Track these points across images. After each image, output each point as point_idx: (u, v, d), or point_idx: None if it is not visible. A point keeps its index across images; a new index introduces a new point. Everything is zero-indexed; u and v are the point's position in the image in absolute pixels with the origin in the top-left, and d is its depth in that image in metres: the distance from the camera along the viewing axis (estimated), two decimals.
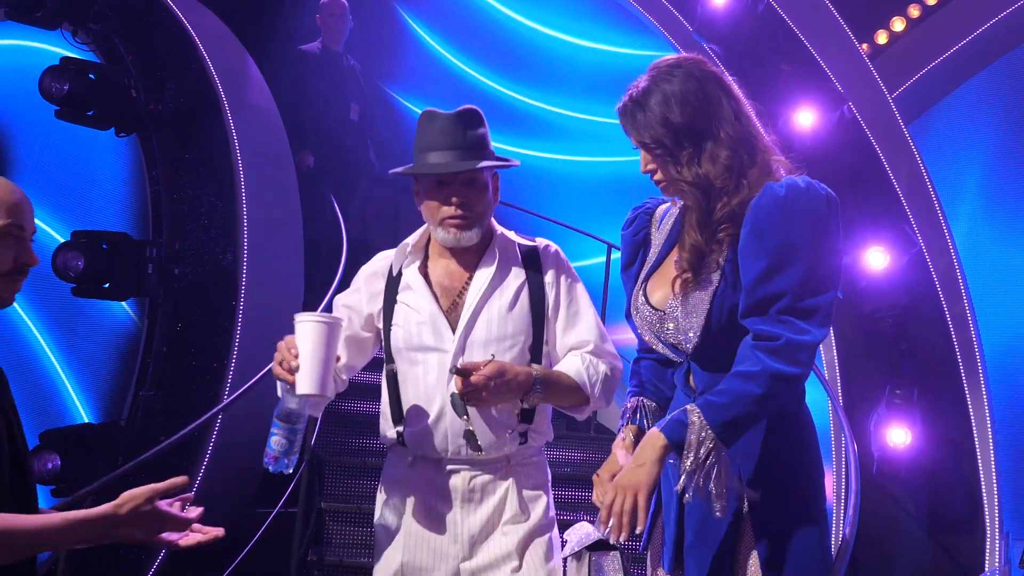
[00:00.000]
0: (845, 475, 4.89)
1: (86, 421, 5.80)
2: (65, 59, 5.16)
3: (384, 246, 2.72)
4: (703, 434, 1.91)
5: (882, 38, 6.16)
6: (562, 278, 2.53)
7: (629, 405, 2.29)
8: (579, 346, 2.49)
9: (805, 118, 5.17)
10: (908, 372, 5.18)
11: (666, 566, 2.19)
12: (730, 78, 2.10)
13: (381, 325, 2.53)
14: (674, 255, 2.17)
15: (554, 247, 2.58)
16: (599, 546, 2.39)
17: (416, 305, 2.47)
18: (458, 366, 2.29)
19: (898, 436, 5.01)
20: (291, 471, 2.22)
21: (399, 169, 2.48)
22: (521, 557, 2.41)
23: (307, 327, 2.22)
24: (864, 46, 5.69)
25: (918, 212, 5.22)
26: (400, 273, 2.53)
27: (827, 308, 1.95)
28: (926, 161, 5.40)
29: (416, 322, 2.45)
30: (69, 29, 5.39)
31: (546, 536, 2.48)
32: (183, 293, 5.19)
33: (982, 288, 5.88)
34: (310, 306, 5.40)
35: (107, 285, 5.11)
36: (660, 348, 2.17)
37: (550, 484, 2.56)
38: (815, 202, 1.96)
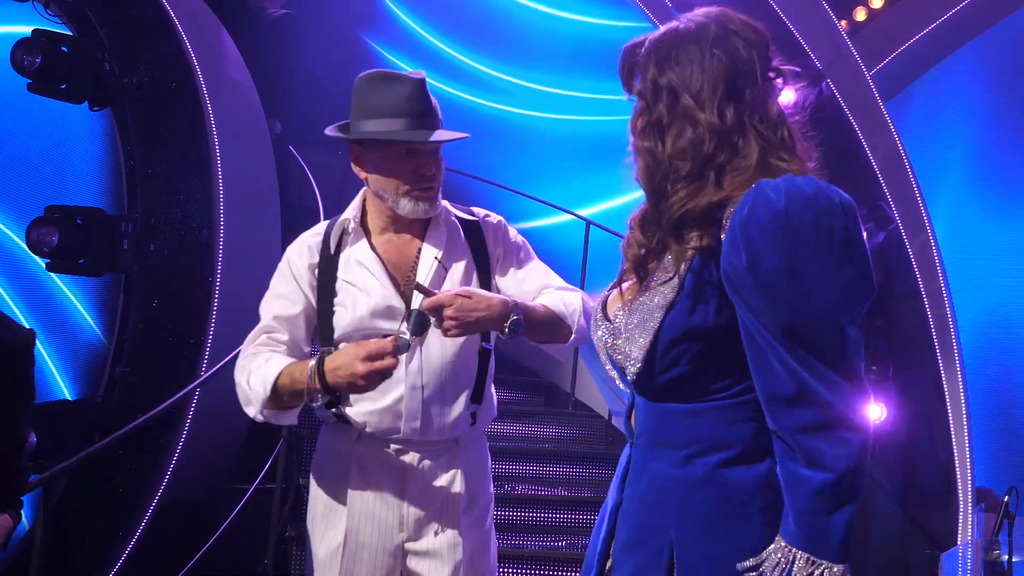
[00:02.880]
0: None
1: (67, 397, 5.78)
2: (37, 31, 5.08)
3: None
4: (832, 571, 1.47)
5: (860, 15, 6.18)
6: (505, 244, 2.46)
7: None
8: (540, 292, 2.41)
9: (783, 95, 5.17)
10: (883, 349, 5.22)
11: None
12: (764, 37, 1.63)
13: (318, 308, 2.38)
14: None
15: (495, 217, 2.50)
16: None
17: (366, 286, 2.33)
18: (418, 283, 2.20)
19: (873, 412, 5.05)
20: None
21: (377, 132, 2.29)
22: (467, 547, 2.34)
23: None
24: (843, 23, 5.70)
25: (895, 189, 5.24)
26: (337, 251, 2.38)
27: (853, 345, 1.51)
28: (908, 137, 5.43)
29: (367, 305, 2.31)
30: (41, 1, 5.31)
31: (488, 522, 2.44)
32: (159, 269, 5.14)
33: (965, 263, 5.94)
34: None
35: (82, 261, 5.07)
36: (611, 372, 1.72)
37: (490, 465, 2.51)
38: (827, 210, 1.49)
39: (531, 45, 7.57)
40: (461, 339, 2.32)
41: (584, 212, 6.48)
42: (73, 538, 4.71)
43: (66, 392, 5.84)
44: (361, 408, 2.32)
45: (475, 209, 2.52)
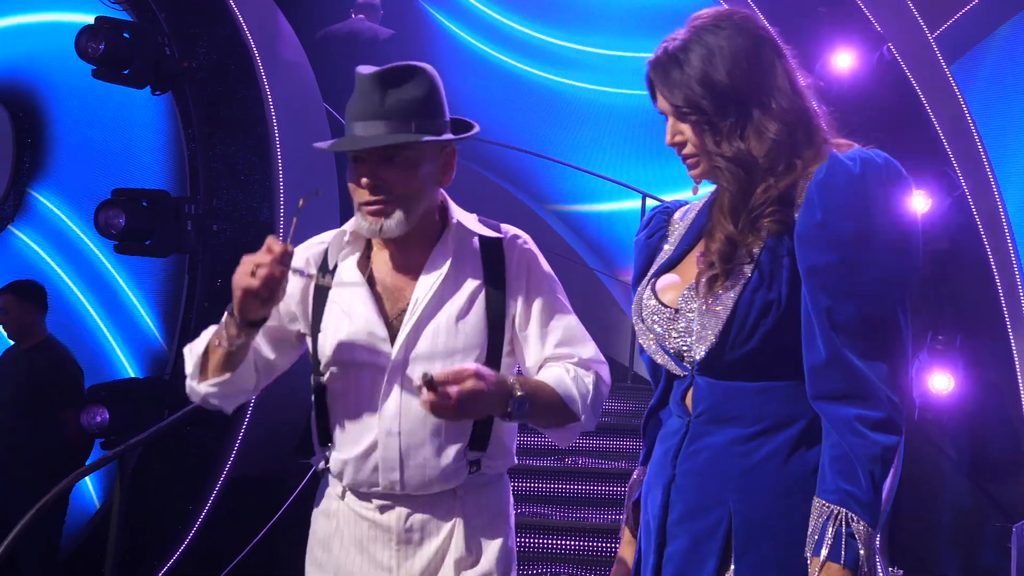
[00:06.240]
0: None
1: (132, 376, 5.93)
2: (100, 18, 5.19)
3: None
4: (867, 532, 1.54)
5: None
6: (530, 278, 2.06)
7: (635, 476, 1.87)
8: (559, 357, 2.04)
9: (843, 60, 5.06)
10: (950, 317, 5.11)
11: None
12: (785, 47, 1.72)
13: (308, 329, 2.07)
14: (698, 249, 1.77)
15: (522, 238, 2.09)
16: None
17: (350, 308, 2.01)
18: (430, 377, 1.78)
19: (940, 382, 4.96)
20: None
21: (323, 144, 2.03)
22: None
23: None
24: None
25: (960, 154, 5.11)
26: (336, 266, 2.05)
27: (905, 328, 1.58)
28: (977, 99, 5.27)
29: (348, 330, 2.00)
30: None
31: None
32: (222, 249, 5.25)
33: None
34: None
35: (148, 242, 5.19)
36: (660, 358, 1.75)
37: (511, 512, 2.12)
38: (897, 183, 1.59)
39: (595, 12, 7.49)
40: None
41: (666, 197, 6.41)
42: (146, 512, 4.85)
43: (130, 371, 5.98)
44: (338, 457, 2.04)
45: (505, 227, 2.11)
